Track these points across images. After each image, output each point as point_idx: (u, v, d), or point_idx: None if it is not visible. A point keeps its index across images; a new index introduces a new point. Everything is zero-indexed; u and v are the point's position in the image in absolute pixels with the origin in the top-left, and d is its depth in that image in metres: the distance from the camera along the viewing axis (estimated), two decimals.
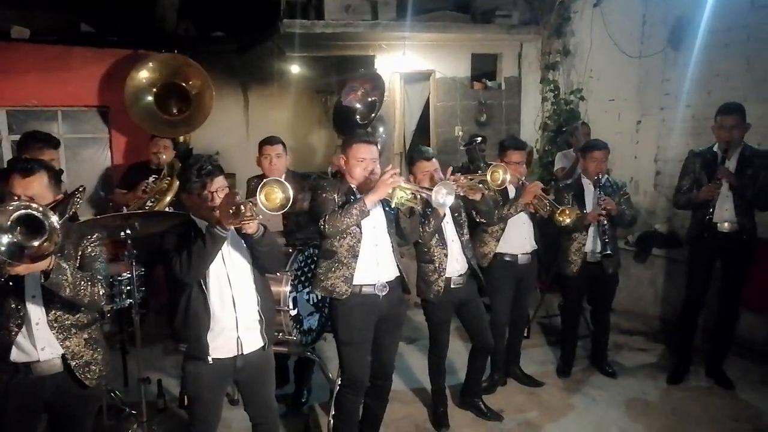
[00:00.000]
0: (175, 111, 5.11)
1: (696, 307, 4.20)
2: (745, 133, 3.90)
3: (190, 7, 7.04)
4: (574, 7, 6.70)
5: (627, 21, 6.01)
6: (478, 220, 3.84)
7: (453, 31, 6.77)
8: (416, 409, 3.92)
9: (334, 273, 2.98)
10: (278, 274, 3.27)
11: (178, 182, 4.51)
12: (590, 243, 4.10)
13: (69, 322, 2.35)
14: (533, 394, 4.13)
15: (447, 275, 3.44)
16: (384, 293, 3.02)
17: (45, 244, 1.94)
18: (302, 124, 8.78)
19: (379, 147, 3.20)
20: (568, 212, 3.76)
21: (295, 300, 3.44)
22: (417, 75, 7.34)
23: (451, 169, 3.24)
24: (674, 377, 4.24)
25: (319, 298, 3.66)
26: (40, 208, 1.93)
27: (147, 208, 4.39)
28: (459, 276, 3.50)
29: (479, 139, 5.63)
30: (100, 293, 2.31)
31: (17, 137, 5.43)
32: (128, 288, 3.67)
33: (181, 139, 4.86)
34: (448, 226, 3.47)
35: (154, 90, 5.05)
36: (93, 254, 2.41)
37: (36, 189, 2.24)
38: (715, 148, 3.98)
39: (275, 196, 2.25)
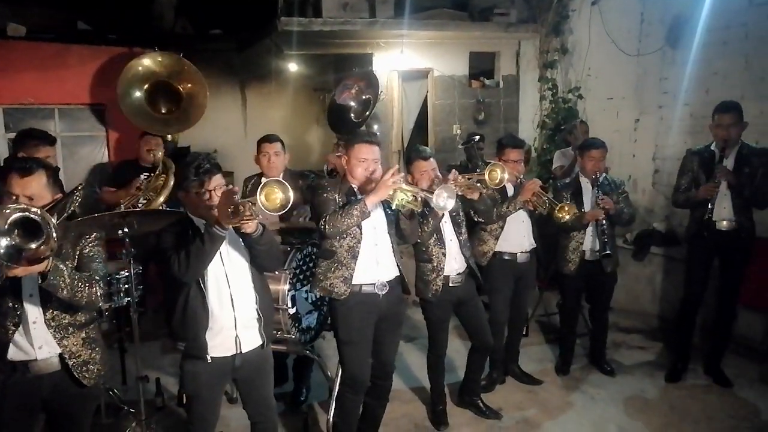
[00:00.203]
0: (164, 110, 5.08)
1: (694, 305, 4.21)
2: (743, 131, 3.91)
3: (188, 4, 7.02)
4: (572, 6, 6.70)
5: (625, 19, 6.01)
6: (477, 219, 3.84)
7: (451, 29, 6.77)
8: (415, 408, 3.92)
9: (334, 273, 2.97)
10: (277, 272, 3.26)
11: (172, 179, 4.52)
12: (588, 242, 4.10)
13: (66, 321, 2.34)
14: (532, 392, 4.13)
15: (445, 274, 3.44)
16: (384, 292, 3.01)
17: (42, 247, 1.92)
18: (300, 122, 8.78)
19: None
20: (567, 208, 3.76)
21: (293, 298, 3.43)
22: (415, 73, 7.34)
23: (454, 172, 3.23)
24: (672, 375, 4.24)
25: (318, 296, 3.65)
26: (39, 212, 1.92)
27: (140, 205, 4.37)
28: (457, 275, 3.50)
29: (477, 137, 5.63)
30: (98, 294, 2.30)
31: (14, 135, 5.43)
32: (126, 286, 3.66)
33: (170, 137, 4.83)
34: (446, 226, 3.47)
35: (146, 87, 5.01)
36: (91, 254, 2.39)
37: (35, 189, 2.23)
38: (713, 147, 3.99)
39: (275, 196, 2.23)
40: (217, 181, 2.49)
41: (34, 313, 2.27)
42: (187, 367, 2.57)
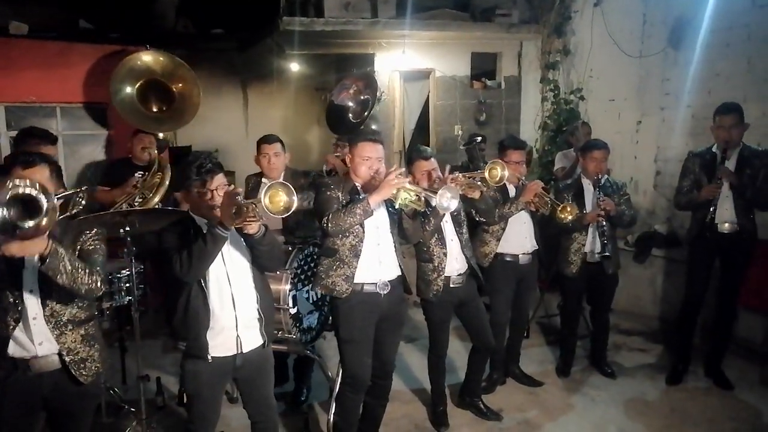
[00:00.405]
0: (155, 109, 5.07)
1: (695, 307, 4.20)
2: (744, 132, 3.90)
3: (190, 3, 7.03)
4: (574, 6, 6.70)
5: (627, 20, 6.01)
6: (478, 219, 3.83)
7: (453, 29, 6.76)
8: (415, 408, 3.92)
9: (335, 271, 2.97)
10: (278, 272, 3.26)
11: (169, 177, 4.52)
12: (590, 243, 4.09)
13: (66, 317, 2.34)
14: (533, 393, 4.13)
15: (446, 274, 3.44)
16: (385, 292, 3.01)
17: (44, 222, 1.92)
18: (301, 122, 8.78)
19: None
20: (569, 209, 3.75)
21: (294, 298, 3.43)
22: (417, 73, 7.34)
23: (449, 167, 3.23)
24: (673, 377, 4.24)
25: (319, 296, 3.65)
26: (36, 186, 1.91)
27: (137, 204, 4.37)
28: (458, 275, 3.49)
29: (479, 138, 5.63)
30: (98, 283, 2.28)
31: (16, 133, 5.43)
32: (127, 285, 3.66)
33: (161, 135, 4.82)
34: (448, 226, 3.46)
35: (138, 85, 4.99)
36: (91, 247, 2.39)
37: (38, 180, 2.22)
38: (714, 149, 3.98)
39: (279, 198, 2.23)
40: (219, 181, 2.49)
41: (34, 308, 2.27)
42: (188, 366, 2.57)
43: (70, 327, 2.35)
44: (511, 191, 3.91)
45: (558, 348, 4.64)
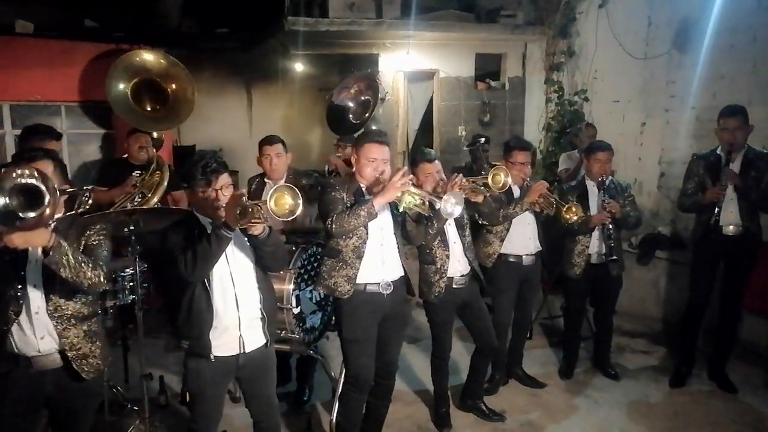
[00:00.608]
0: (149, 108, 5.08)
1: (699, 309, 4.19)
2: (748, 135, 3.89)
3: (194, 3, 7.03)
4: (579, 8, 6.69)
5: (632, 22, 6.00)
6: (481, 221, 3.83)
7: (457, 30, 6.76)
8: (418, 410, 3.91)
9: (338, 272, 2.97)
10: (281, 272, 3.26)
11: (168, 176, 4.52)
12: (594, 245, 4.08)
13: (69, 312, 2.34)
14: (535, 395, 4.12)
15: (449, 276, 3.43)
16: (388, 292, 3.01)
17: (47, 211, 1.93)
18: (305, 122, 8.79)
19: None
20: (574, 209, 3.73)
21: (298, 298, 3.43)
22: (421, 74, 7.34)
23: (459, 176, 3.23)
24: (676, 380, 4.23)
25: (322, 296, 3.65)
26: (38, 175, 1.91)
27: (136, 203, 4.38)
28: (461, 276, 3.49)
29: (483, 139, 5.62)
30: (101, 277, 2.29)
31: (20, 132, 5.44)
32: (131, 284, 3.67)
33: (155, 134, 4.83)
34: (450, 228, 3.46)
35: (131, 84, 5.00)
36: (95, 243, 2.40)
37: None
38: (719, 151, 3.97)
39: (284, 201, 2.24)
40: (224, 181, 2.49)
41: (37, 302, 2.28)
42: (191, 365, 2.58)
43: (73, 322, 2.36)
44: (516, 192, 3.90)
45: (561, 349, 4.63)
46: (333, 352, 4.32)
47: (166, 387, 3.92)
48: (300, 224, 3.81)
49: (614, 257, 3.94)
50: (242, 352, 2.57)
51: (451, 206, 2.81)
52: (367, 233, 2.94)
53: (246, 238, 2.53)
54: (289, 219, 2.28)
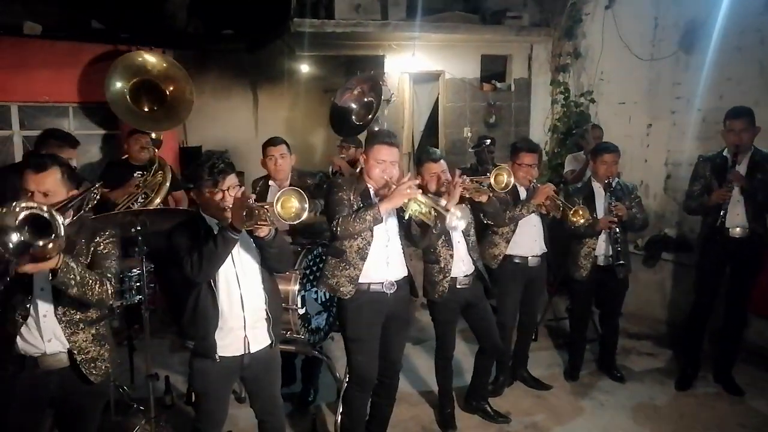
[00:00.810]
0: (146, 109, 5.10)
1: (705, 311, 4.17)
2: (755, 136, 3.88)
3: (200, 4, 7.05)
4: (585, 9, 6.67)
5: (639, 23, 5.98)
6: (485, 221, 3.83)
7: (463, 31, 6.75)
8: (423, 411, 3.92)
9: (341, 272, 2.98)
10: (287, 272, 3.26)
11: (170, 176, 4.54)
12: (601, 248, 4.08)
13: (78, 317, 2.36)
14: (541, 397, 4.12)
15: (452, 276, 3.44)
16: (392, 291, 3.02)
17: (51, 245, 1.94)
18: (311, 124, 8.79)
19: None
20: (581, 212, 3.72)
21: (303, 299, 3.44)
22: (426, 75, 7.34)
23: (458, 172, 3.23)
24: (682, 383, 4.21)
25: (327, 297, 3.66)
26: (47, 209, 1.93)
27: (140, 203, 4.40)
28: (465, 276, 3.49)
29: (488, 141, 5.62)
30: (109, 292, 2.30)
31: (29, 133, 5.48)
32: (138, 284, 3.68)
33: (154, 135, 4.85)
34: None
35: (130, 85, 5.02)
36: (105, 251, 2.40)
37: (49, 184, 2.24)
38: (725, 153, 3.96)
39: (291, 204, 2.24)
40: (231, 181, 2.50)
41: (44, 306, 2.29)
42: (196, 364, 2.59)
43: (81, 326, 2.37)
44: (522, 193, 3.90)
45: (566, 351, 4.62)
46: (338, 352, 4.32)
47: (172, 387, 3.93)
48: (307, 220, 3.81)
49: (621, 261, 3.93)
50: (247, 352, 2.58)
51: (456, 220, 2.82)
52: (372, 235, 2.95)
53: (252, 240, 2.54)
54: (295, 222, 2.28)
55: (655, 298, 5.61)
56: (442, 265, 3.42)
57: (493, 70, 7.54)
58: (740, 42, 4.97)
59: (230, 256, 2.49)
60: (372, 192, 3.01)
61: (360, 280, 2.97)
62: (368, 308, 2.99)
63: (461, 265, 3.47)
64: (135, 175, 4.52)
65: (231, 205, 2.41)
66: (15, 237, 1.88)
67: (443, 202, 3.30)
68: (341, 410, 3.33)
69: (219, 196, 2.47)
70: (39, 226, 1.93)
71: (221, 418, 2.69)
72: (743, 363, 4.38)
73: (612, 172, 4.06)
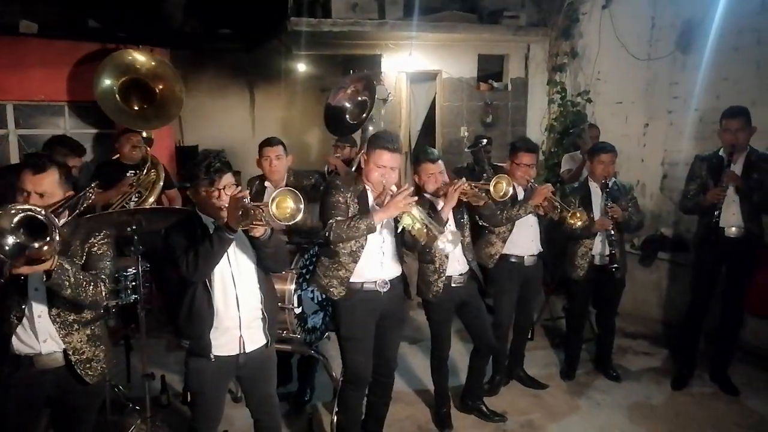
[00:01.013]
0: (136, 107, 5.10)
1: (701, 311, 4.18)
2: (751, 136, 3.89)
3: (198, 4, 7.03)
4: (582, 9, 6.67)
5: (636, 23, 5.98)
6: (481, 223, 3.83)
7: (460, 31, 6.75)
8: (419, 410, 3.92)
9: (332, 272, 2.99)
10: (283, 272, 3.26)
11: (163, 174, 4.53)
12: (598, 247, 4.09)
13: (72, 317, 2.35)
14: (537, 396, 4.12)
15: (447, 275, 3.44)
16: (385, 290, 3.02)
17: (46, 247, 1.94)
18: (308, 123, 8.79)
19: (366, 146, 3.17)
20: (579, 215, 3.73)
21: (299, 298, 3.43)
22: (423, 75, 7.33)
23: (462, 179, 3.24)
24: (678, 382, 4.22)
25: (324, 296, 3.65)
26: (43, 212, 1.93)
27: (134, 202, 4.39)
28: (460, 275, 3.50)
29: (485, 141, 5.61)
30: (103, 294, 2.31)
31: (24, 131, 5.47)
32: (133, 283, 3.68)
33: (144, 134, 4.85)
34: (451, 228, 3.45)
35: (120, 83, 5.01)
36: (99, 252, 2.40)
37: (47, 186, 2.24)
38: (721, 152, 3.97)
39: (286, 205, 2.23)
40: (227, 180, 2.50)
41: (39, 307, 2.29)
42: (192, 364, 2.59)
43: (76, 327, 2.37)
44: (520, 193, 3.90)
45: (563, 351, 4.62)
46: (334, 352, 4.30)
47: (168, 386, 3.93)
48: (301, 224, 3.81)
49: (615, 266, 3.94)
50: (242, 352, 2.58)
51: (446, 243, 2.83)
52: (366, 238, 2.95)
53: (248, 239, 2.53)
54: (290, 223, 2.27)
55: (651, 297, 5.62)
56: (437, 265, 3.43)
57: (490, 69, 7.54)
58: (737, 42, 4.98)
59: (226, 255, 2.49)
60: (369, 194, 3.01)
61: (353, 280, 2.98)
62: (361, 307, 2.99)
63: (456, 264, 3.48)
64: (128, 174, 4.51)
65: (227, 205, 2.41)
66: (11, 239, 1.88)
67: (441, 204, 3.31)
68: (336, 409, 3.32)
69: (215, 194, 2.47)
70: (34, 227, 1.93)
71: (217, 417, 2.69)
72: (739, 362, 4.39)
73: (609, 172, 4.06)
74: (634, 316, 5.52)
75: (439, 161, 3.41)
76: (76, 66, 5.52)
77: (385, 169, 2.93)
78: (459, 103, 7.26)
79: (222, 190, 2.47)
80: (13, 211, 1.89)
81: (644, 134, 5.99)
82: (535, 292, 4.23)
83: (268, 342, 2.67)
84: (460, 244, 3.48)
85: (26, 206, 1.94)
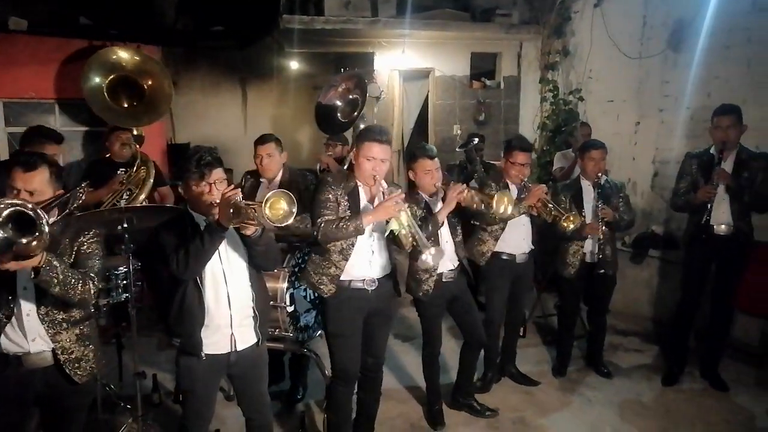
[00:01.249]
0: (126, 105, 5.08)
1: (691, 308, 4.21)
2: (741, 134, 3.91)
3: (190, 1, 7.01)
4: (574, 7, 6.69)
5: (627, 22, 6.01)
6: (473, 221, 3.84)
7: (453, 29, 6.76)
8: (411, 408, 3.92)
9: (323, 270, 2.98)
10: (275, 270, 3.26)
11: (153, 171, 4.51)
12: (589, 245, 4.10)
13: (61, 316, 2.34)
14: (529, 393, 4.13)
15: (438, 272, 3.44)
16: (373, 288, 3.02)
17: (34, 243, 1.93)
18: (300, 120, 8.78)
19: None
20: (572, 218, 3.74)
21: (292, 296, 3.43)
22: (416, 73, 7.34)
23: (463, 186, 3.26)
24: (669, 379, 4.25)
25: (316, 294, 3.64)
26: (32, 207, 1.92)
27: (125, 199, 4.37)
28: (450, 270, 3.51)
29: (476, 139, 5.62)
30: (91, 292, 2.29)
31: (14, 129, 5.43)
32: (124, 282, 3.66)
33: (135, 131, 4.83)
34: (444, 229, 3.45)
35: (108, 81, 4.99)
36: (89, 250, 2.39)
37: (37, 184, 2.23)
38: (712, 150, 3.99)
39: (279, 206, 2.22)
40: (217, 175, 2.48)
41: (28, 305, 2.27)
42: (183, 362, 2.58)
43: (65, 326, 2.35)
44: (513, 191, 3.91)
45: (554, 348, 4.64)
46: (326, 350, 4.31)
47: (160, 385, 3.92)
48: (294, 228, 3.80)
49: (601, 270, 3.98)
50: (234, 350, 2.58)
51: (431, 259, 2.82)
52: (355, 236, 2.94)
53: (240, 237, 2.53)
54: (281, 225, 2.26)
55: (642, 294, 5.65)
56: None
57: (483, 67, 7.55)
58: (728, 40, 5.01)
59: (217, 253, 2.48)
60: (361, 191, 3.00)
61: (341, 278, 2.97)
62: (348, 304, 2.99)
63: (448, 263, 3.49)
64: (119, 172, 4.49)
65: (218, 200, 2.40)
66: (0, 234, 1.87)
67: (439, 205, 3.32)
68: (325, 405, 3.33)
69: (206, 189, 2.45)
70: (23, 223, 1.92)
71: (208, 415, 2.68)
72: (729, 359, 4.42)
73: (600, 169, 4.08)
74: (625, 314, 5.54)
75: (436, 158, 3.40)
76: (66, 63, 5.49)
77: (375, 161, 2.92)
78: (452, 101, 7.28)
79: (213, 185, 2.46)
80: (1, 206, 1.88)
81: (635, 132, 6.01)
82: (526, 289, 4.24)
83: (259, 340, 2.66)
84: (452, 244, 3.49)
85: (15, 201, 1.93)
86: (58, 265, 2.14)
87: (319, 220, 2.87)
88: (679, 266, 4.54)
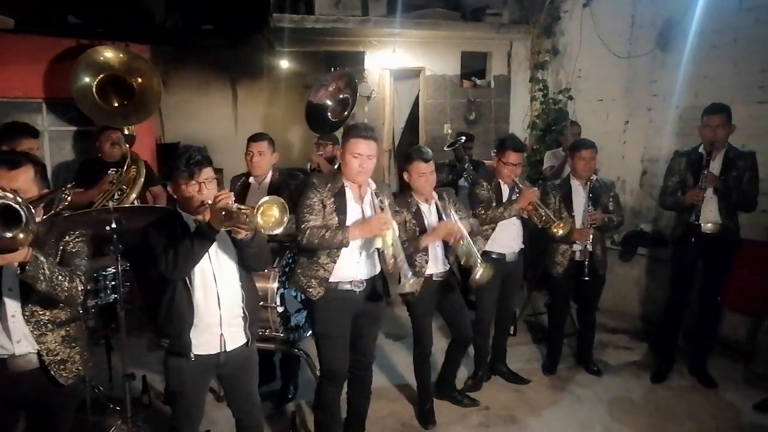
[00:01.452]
0: (116, 104, 5.05)
1: (679, 306, 4.25)
2: (730, 134, 3.94)
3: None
4: (563, 7, 6.72)
5: (616, 21, 6.04)
6: None
7: (443, 28, 6.77)
8: (402, 407, 3.93)
9: (311, 273, 2.97)
10: (266, 270, 3.25)
11: (144, 170, 4.49)
12: (578, 244, 4.11)
13: (46, 317, 2.31)
14: (519, 391, 4.15)
15: (428, 273, 3.45)
16: (360, 289, 3.02)
17: (21, 235, 1.90)
18: (291, 120, 8.75)
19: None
20: (563, 225, 3.77)
21: (282, 297, 3.43)
22: (407, 72, 7.34)
23: (460, 226, 3.30)
24: (658, 376, 4.28)
25: None
26: (17, 200, 1.90)
27: (116, 199, 4.35)
28: (441, 271, 3.52)
29: (463, 138, 5.62)
30: (78, 289, 2.26)
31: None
32: (113, 283, 3.64)
33: (126, 131, 4.80)
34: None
35: (97, 81, 4.97)
36: (74, 250, 2.36)
37: (21, 182, 2.20)
38: (701, 149, 4.02)
39: (272, 213, 2.20)
40: (207, 174, 2.47)
41: (12, 306, 2.24)
42: (171, 363, 2.56)
43: (50, 327, 2.32)
44: (505, 191, 3.93)
45: (544, 346, 4.67)
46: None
47: (149, 386, 3.90)
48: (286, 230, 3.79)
49: (586, 278, 4.02)
50: (223, 350, 2.56)
51: (407, 285, 2.83)
52: None
53: (230, 238, 2.51)
54: (271, 233, 2.24)
55: (631, 292, 5.68)
56: (417, 269, 3.39)
57: (473, 67, 7.57)
58: (715, 40, 5.05)
59: (207, 254, 2.46)
60: (348, 191, 2.99)
61: (329, 279, 2.96)
62: (336, 305, 2.98)
63: (439, 266, 3.50)
64: (109, 172, 4.46)
65: (207, 199, 2.39)
66: None
67: (426, 206, 3.32)
68: (314, 404, 3.32)
69: (195, 188, 2.44)
70: (8, 217, 1.89)
71: (197, 416, 2.67)
72: (717, 356, 4.46)
73: (590, 168, 4.10)
74: (615, 312, 5.58)
75: (432, 161, 3.40)
76: (54, 62, 5.44)
77: (361, 157, 2.90)
78: (442, 100, 7.29)
79: (202, 184, 2.45)
80: None
81: (624, 131, 6.06)
82: (515, 288, 4.27)
83: (248, 341, 2.65)
84: (443, 248, 3.49)
85: (2, 193, 1.90)
86: (44, 260, 2.11)
87: (304, 225, 2.86)
88: (667, 264, 4.57)
